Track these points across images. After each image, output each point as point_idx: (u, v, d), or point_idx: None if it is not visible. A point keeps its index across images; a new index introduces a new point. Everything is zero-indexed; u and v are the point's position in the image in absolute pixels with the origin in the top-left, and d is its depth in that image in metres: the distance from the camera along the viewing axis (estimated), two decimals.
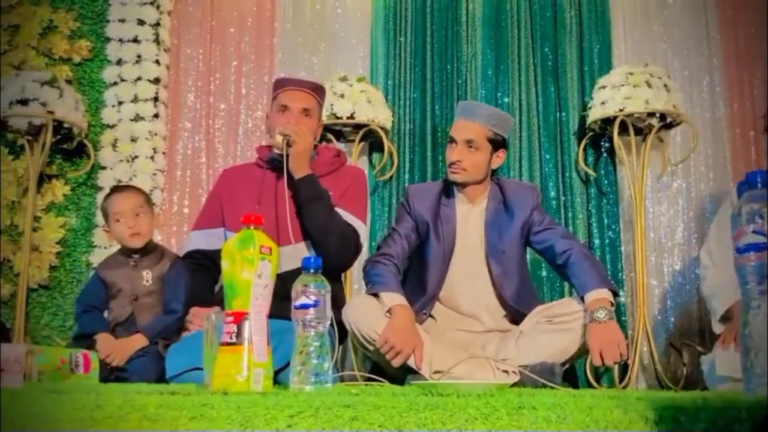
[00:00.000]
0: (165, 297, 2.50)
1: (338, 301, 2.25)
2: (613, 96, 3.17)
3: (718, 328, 2.38)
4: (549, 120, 3.52)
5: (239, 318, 1.37)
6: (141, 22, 3.53)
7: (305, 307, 1.43)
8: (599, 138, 3.45)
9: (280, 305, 1.57)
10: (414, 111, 3.56)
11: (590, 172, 3.43)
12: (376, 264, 2.39)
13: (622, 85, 3.16)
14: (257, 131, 3.62)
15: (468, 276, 2.45)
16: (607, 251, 3.39)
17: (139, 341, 2.39)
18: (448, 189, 2.55)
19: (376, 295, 2.29)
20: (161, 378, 2.20)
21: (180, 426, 0.92)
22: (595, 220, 3.43)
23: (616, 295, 2.29)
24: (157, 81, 3.52)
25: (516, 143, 3.49)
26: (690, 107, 3.45)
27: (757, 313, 1.07)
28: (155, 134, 3.47)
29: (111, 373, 2.31)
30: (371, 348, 2.24)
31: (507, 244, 2.47)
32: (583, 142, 3.42)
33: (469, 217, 2.51)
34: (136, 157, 3.42)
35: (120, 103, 3.47)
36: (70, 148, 3.43)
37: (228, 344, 1.37)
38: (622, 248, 3.41)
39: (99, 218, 3.28)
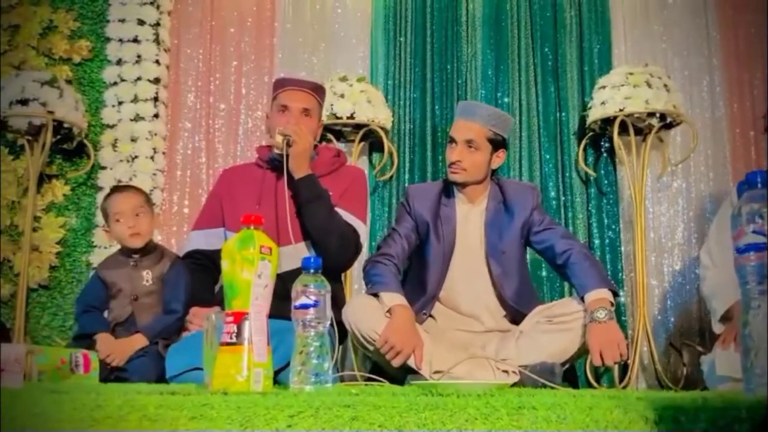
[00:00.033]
0: (165, 297, 2.50)
1: (338, 301, 2.25)
2: (613, 96, 3.16)
3: (718, 328, 2.38)
4: (549, 120, 3.52)
5: (239, 318, 1.37)
6: (141, 22, 3.53)
7: (305, 307, 1.43)
8: (599, 138, 3.45)
9: (280, 305, 1.57)
10: (414, 111, 3.56)
11: (590, 172, 3.43)
12: (376, 264, 2.39)
13: (622, 85, 3.16)
14: (257, 131, 3.62)
15: (468, 276, 2.45)
16: (607, 251, 3.39)
17: (139, 341, 2.39)
18: (448, 189, 2.55)
19: (376, 295, 2.29)
20: (161, 378, 2.20)
21: (180, 426, 0.92)
22: (595, 220, 3.43)
23: (616, 295, 2.29)
24: (157, 81, 3.52)
25: (516, 143, 3.49)
26: (690, 107, 3.45)
27: (757, 313, 1.07)
28: (155, 134, 3.47)
29: (111, 373, 2.31)
30: (371, 348, 2.24)
31: (507, 244, 2.47)
32: (583, 142, 3.42)
33: (469, 217, 2.51)
34: (136, 157, 3.42)
35: (120, 103, 3.47)
36: (70, 148, 3.43)
37: (228, 344, 1.37)
38: (622, 248, 3.41)
39: (99, 218, 3.28)
